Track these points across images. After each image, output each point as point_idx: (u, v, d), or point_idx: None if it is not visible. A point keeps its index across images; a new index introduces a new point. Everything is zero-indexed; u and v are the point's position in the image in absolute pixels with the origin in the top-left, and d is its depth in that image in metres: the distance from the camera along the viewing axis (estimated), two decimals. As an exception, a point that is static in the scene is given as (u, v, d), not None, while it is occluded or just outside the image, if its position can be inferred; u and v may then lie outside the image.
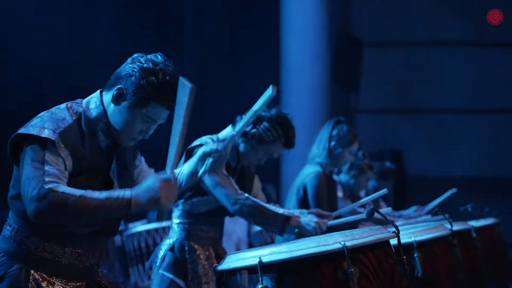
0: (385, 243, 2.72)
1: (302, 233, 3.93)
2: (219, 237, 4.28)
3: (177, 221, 4.20)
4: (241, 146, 4.19)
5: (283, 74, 10.34)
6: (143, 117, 2.81)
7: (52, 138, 2.68)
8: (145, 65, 2.80)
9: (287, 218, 3.94)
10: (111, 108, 2.85)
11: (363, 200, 4.33)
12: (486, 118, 11.57)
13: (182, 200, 4.17)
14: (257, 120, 4.12)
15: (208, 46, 10.70)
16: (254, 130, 4.11)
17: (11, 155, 2.79)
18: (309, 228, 3.90)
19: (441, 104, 11.63)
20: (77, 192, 2.64)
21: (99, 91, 2.91)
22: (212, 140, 4.15)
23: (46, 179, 2.63)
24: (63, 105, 2.86)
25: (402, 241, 3.59)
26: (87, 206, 2.62)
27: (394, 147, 11.18)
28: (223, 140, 4.09)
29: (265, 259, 2.58)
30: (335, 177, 5.51)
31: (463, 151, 11.47)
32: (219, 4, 10.56)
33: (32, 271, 2.75)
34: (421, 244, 3.70)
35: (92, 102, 2.88)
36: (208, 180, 3.98)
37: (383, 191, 4.03)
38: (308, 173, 5.21)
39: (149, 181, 2.71)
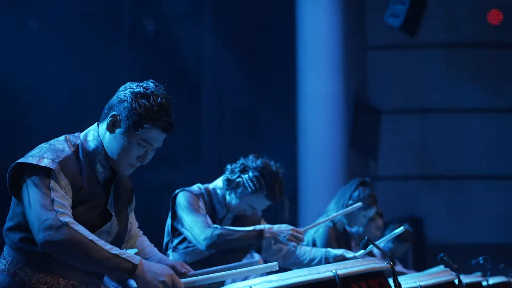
0: (379, 273, 2.69)
1: (279, 243, 3.88)
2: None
3: None
4: (227, 195, 4.16)
5: (300, 141, 10.39)
6: (139, 141, 2.82)
7: (52, 167, 2.70)
8: (136, 90, 2.84)
9: (260, 232, 3.88)
10: (106, 137, 2.87)
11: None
12: (506, 184, 11.47)
13: (170, 250, 4.13)
14: (243, 169, 4.11)
15: (225, 112, 10.81)
16: (239, 179, 4.09)
17: (9, 186, 2.80)
18: (283, 236, 3.85)
19: (460, 170, 11.55)
20: (90, 235, 2.64)
21: (96, 123, 2.94)
22: (199, 187, 4.16)
23: (58, 209, 2.64)
24: (61, 137, 2.90)
25: (407, 286, 3.60)
26: (94, 254, 2.62)
27: (414, 214, 11.07)
28: (213, 189, 4.13)
29: (256, 288, 2.56)
30: (347, 227, 5.49)
31: (483, 218, 11.32)
32: (237, 71, 10.70)
33: None
34: (426, 289, 3.64)
35: (90, 135, 2.91)
36: (186, 221, 3.97)
37: (400, 229, 4.05)
38: (318, 227, 5.21)
39: (162, 266, 2.72)
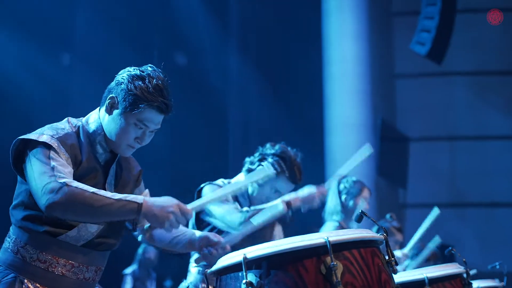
0: (371, 242, 2.71)
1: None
2: None
3: (195, 264, 4.21)
4: (249, 186, 4.23)
5: (328, 167, 10.41)
6: (136, 122, 2.90)
7: (50, 142, 2.79)
8: (132, 73, 2.93)
9: (288, 203, 3.96)
10: (106, 119, 2.96)
11: None
12: (536, 212, 11.35)
13: None
14: (262, 157, 4.19)
15: (252, 139, 10.89)
16: (259, 167, 4.16)
17: (13, 164, 2.89)
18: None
19: (489, 197, 11.46)
20: (90, 188, 2.71)
21: (98, 107, 3.03)
22: (222, 182, 4.22)
23: (57, 174, 2.71)
24: (63, 120, 3.00)
25: (414, 277, 3.60)
26: (98, 203, 2.68)
27: (443, 241, 10.94)
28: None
29: (250, 255, 2.60)
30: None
31: (512, 245, 11.19)
32: (263, 99, 10.81)
33: (25, 281, 2.81)
34: (433, 281, 3.63)
35: (91, 117, 3.01)
36: (216, 211, 4.02)
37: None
38: (327, 229, 5.27)
39: (166, 198, 2.79)
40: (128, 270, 9.29)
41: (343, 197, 5.36)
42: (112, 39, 10.58)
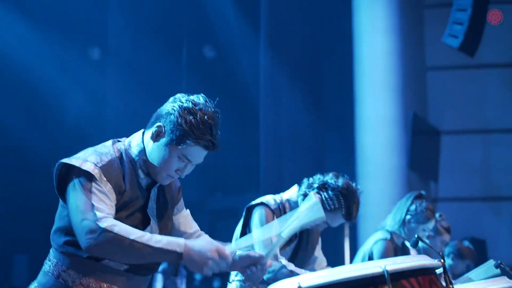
0: (429, 270, 2.67)
1: None
2: None
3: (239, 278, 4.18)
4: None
5: (359, 163, 10.36)
6: (180, 155, 2.87)
7: (93, 172, 2.76)
8: (184, 105, 2.86)
9: None
10: (150, 145, 2.91)
11: None
12: None
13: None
14: (322, 186, 4.10)
15: (283, 137, 10.86)
16: (317, 196, 4.07)
17: (56, 188, 2.86)
18: None
19: (523, 191, 11.32)
20: (131, 234, 2.67)
21: (142, 130, 2.99)
22: (275, 200, 4.15)
23: (97, 214, 2.68)
24: (108, 142, 2.96)
25: (462, 290, 3.56)
26: (137, 252, 2.67)
27: (476, 236, 10.87)
28: (287, 201, 4.13)
29: (304, 284, 2.57)
30: (406, 242, 5.43)
31: (549, 239, 11.06)
32: (294, 95, 10.77)
33: None
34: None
35: (134, 141, 2.97)
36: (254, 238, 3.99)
37: None
38: (376, 240, 5.19)
39: (205, 242, 2.74)
40: (159, 268, 9.31)
41: (408, 217, 5.28)
42: (143, 35, 10.59)
